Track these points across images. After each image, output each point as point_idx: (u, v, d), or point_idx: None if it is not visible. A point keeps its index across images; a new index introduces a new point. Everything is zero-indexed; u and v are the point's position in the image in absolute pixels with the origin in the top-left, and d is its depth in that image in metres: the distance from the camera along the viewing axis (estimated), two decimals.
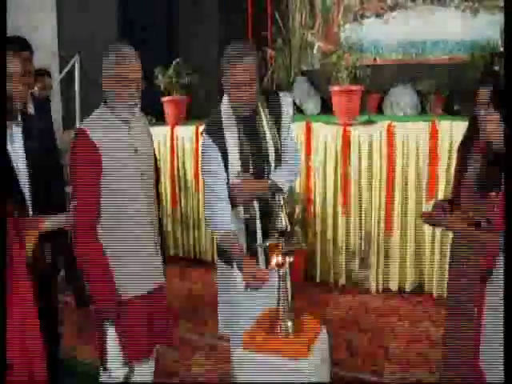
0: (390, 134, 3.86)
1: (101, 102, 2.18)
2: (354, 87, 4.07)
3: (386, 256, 3.95)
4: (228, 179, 2.15)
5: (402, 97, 4.56)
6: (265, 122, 2.18)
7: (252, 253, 2.18)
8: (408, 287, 3.95)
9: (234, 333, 2.22)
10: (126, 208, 2.13)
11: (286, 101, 2.24)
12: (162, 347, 2.45)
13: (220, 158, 2.13)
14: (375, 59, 4.55)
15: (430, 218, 2.27)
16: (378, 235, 3.94)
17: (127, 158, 2.13)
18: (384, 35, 4.89)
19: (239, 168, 2.15)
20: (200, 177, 4.28)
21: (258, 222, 2.19)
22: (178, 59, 4.94)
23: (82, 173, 2.05)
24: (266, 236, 2.13)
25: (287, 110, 2.23)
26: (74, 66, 4.99)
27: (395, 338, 3.31)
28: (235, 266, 2.06)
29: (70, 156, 2.11)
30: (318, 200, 4.18)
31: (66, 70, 5.08)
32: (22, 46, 2.65)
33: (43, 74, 4.25)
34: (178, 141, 4.90)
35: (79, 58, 5.01)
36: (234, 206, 2.16)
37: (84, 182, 2.05)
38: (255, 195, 2.17)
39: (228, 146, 2.13)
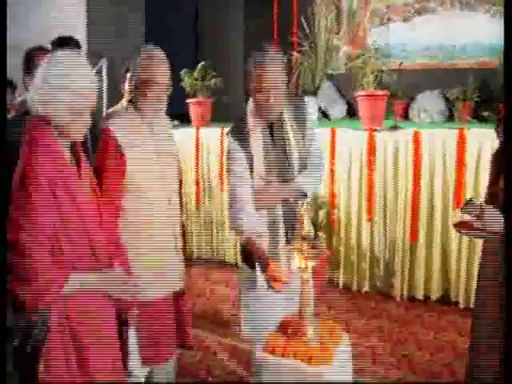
0: (417, 141, 3.84)
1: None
2: (379, 92, 4.06)
3: (411, 263, 3.92)
4: (252, 182, 2.17)
5: (429, 103, 4.53)
6: (289, 127, 2.20)
7: (274, 256, 2.18)
8: (433, 296, 3.91)
9: (256, 336, 2.22)
10: (147, 210, 2.15)
11: (311, 105, 2.28)
12: (182, 350, 2.47)
13: (245, 160, 2.16)
14: (401, 64, 4.50)
15: (465, 228, 2.18)
16: (403, 242, 3.92)
17: (150, 160, 2.16)
18: (411, 39, 4.87)
19: (263, 172, 2.17)
20: (224, 178, 4.36)
21: (281, 225, 2.20)
22: (203, 62, 5.00)
23: (106, 171, 2.07)
24: (289, 240, 2.14)
25: (312, 114, 2.26)
26: (101, 69, 5.08)
27: (419, 348, 3.29)
28: (258, 269, 2.08)
29: (96, 153, 2.14)
30: (342, 205, 4.18)
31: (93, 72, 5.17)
32: (72, 44, 2.74)
33: None
34: (202, 142, 4.95)
35: (106, 61, 5.10)
36: (257, 209, 2.18)
37: (108, 181, 2.06)
38: (279, 199, 2.19)
39: (253, 149, 2.16)
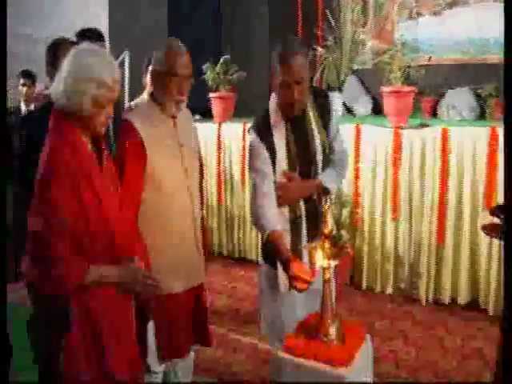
0: (445, 139, 3.75)
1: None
2: (406, 88, 3.98)
3: (438, 265, 3.82)
4: (274, 178, 2.16)
5: (459, 99, 4.40)
6: (313, 123, 2.17)
7: (296, 254, 2.15)
8: (461, 301, 3.80)
9: (276, 335, 2.23)
10: (166, 203, 2.16)
11: (336, 101, 2.23)
12: (200, 346, 2.47)
13: (267, 156, 2.14)
14: (430, 59, 4.39)
15: (495, 231, 2.13)
16: (430, 244, 3.83)
17: (171, 153, 2.17)
18: (440, 34, 4.73)
19: (286, 168, 2.15)
20: (246, 175, 4.34)
21: (303, 223, 2.18)
22: (226, 56, 4.98)
23: (127, 163, 2.07)
24: (311, 238, 2.12)
25: (336, 110, 2.23)
26: (123, 61, 5.11)
27: (444, 354, 3.21)
28: (279, 267, 2.06)
29: (117, 145, 2.16)
30: (367, 204, 4.12)
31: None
32: (96, 36, 2.78)
33: None
34: (224, 138, 4.94)
35: (128, 53, 5.12)
36: (279, 205, 2.16)
37: (129, 173, 2.07)
38: (301, 195, 2.18)
39: (275, 145, 2.14)
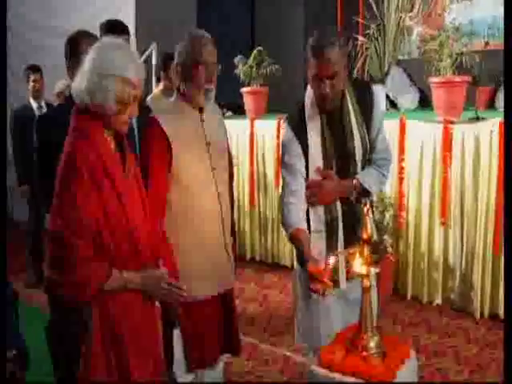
0: (503, 134, 3.49)
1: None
2: (458, 78, 3.80)
3: (494, 277, 3.60)
4: (307, 175, 2.13)
5: None
6: (353, 117, 2.12)
7: (320, 257, 2.13)
8: None
9: (310, 347, 2.22)
10: (193, 205, 2.17)
11: (379, 95, 2.17)
12: (229, 356, 2.46)
13: (300, 152, 2.11)
14: (487, 44, 4.12)
15: None
16: (484, 252, 3.61)
17: (198, 152, 2.18)
18: (501, 13, 4.41)
19: (321, 164, 2.11)
20: (281, 175, 4.22)
21: (340, 225, 2.13)
22: (259, 47, 4.90)
23: (152, 163, 2.09)
24: (348, 242, 2.06)
25: (379, 105, 2.16)
26: (150, 54, 5.08)
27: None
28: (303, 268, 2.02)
29: (142, 143, 2.19)
30: (412, 207, 3.97)
31: (143, 58, 5.20)
32: (121, 29, 2.77)
33: None
34: (257, 135, 4.87)
35: (156, 46, 5.09)
36: (313, 205, 2.12)
37: (154, 173, 2.09)
38: (338, 195, 2.12)
39: (309, 140, 2.10)
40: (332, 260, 1.88)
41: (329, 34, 2.01)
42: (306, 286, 2.11)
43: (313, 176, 2.12)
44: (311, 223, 2.13)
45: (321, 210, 2.13)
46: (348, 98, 2.12)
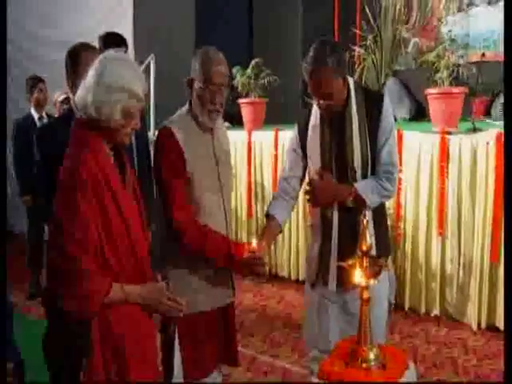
0: (500, 144, 3.52)
1: (175, 102, 2.24)
2: (455, 89, 3.83)
3: (491, 286, 3.61)
4: (303, 176, 2.30)
5: None
6: (355, 125, 2.13)
7: (325, 269, 2.18)
8: None
9: (312, 352, 2.28)
10: (202, 216, 2.14)
11: (389, 108, 2.17)
12: (227, 367, 2.47)
13: (300, 153, 2.26)
14: (483, 55, 4.17)
15: None
16: (482, 261, 3.62)
17: (209, 170, 2.17)
18: (497, 25, 4.46)
19: (319, 165, 2.17)
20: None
21: (335, 234, 2.15)
22: (257, 59, 4.91)
23: (172, 170, 2.08)
24: (342, 252, 2.10)
25: (389, 118, 2.16)
26: (148, 65, 5.09)
27: None
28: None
29: (156, 155, 2.15)
30: (409, 217, 3.97)
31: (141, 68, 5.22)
32: (120, 42, 2.81)
33: None
34: (255, 147, 4.87)
35: (154, 57, 5.10)
36: (314, 206, 2.22)
37: (176, 179, 2.08)
38: (333, 198, 2.15)
39: (309, 144, 2.19)
40: (254, 244, 2.04)
41: (322, 53, 2.01)
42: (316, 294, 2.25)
43: (311, 174, 2.22)
44: (310, 229, 2.23)
45: (318, 216, 2.20)
46: (353, 106, 2.12)
